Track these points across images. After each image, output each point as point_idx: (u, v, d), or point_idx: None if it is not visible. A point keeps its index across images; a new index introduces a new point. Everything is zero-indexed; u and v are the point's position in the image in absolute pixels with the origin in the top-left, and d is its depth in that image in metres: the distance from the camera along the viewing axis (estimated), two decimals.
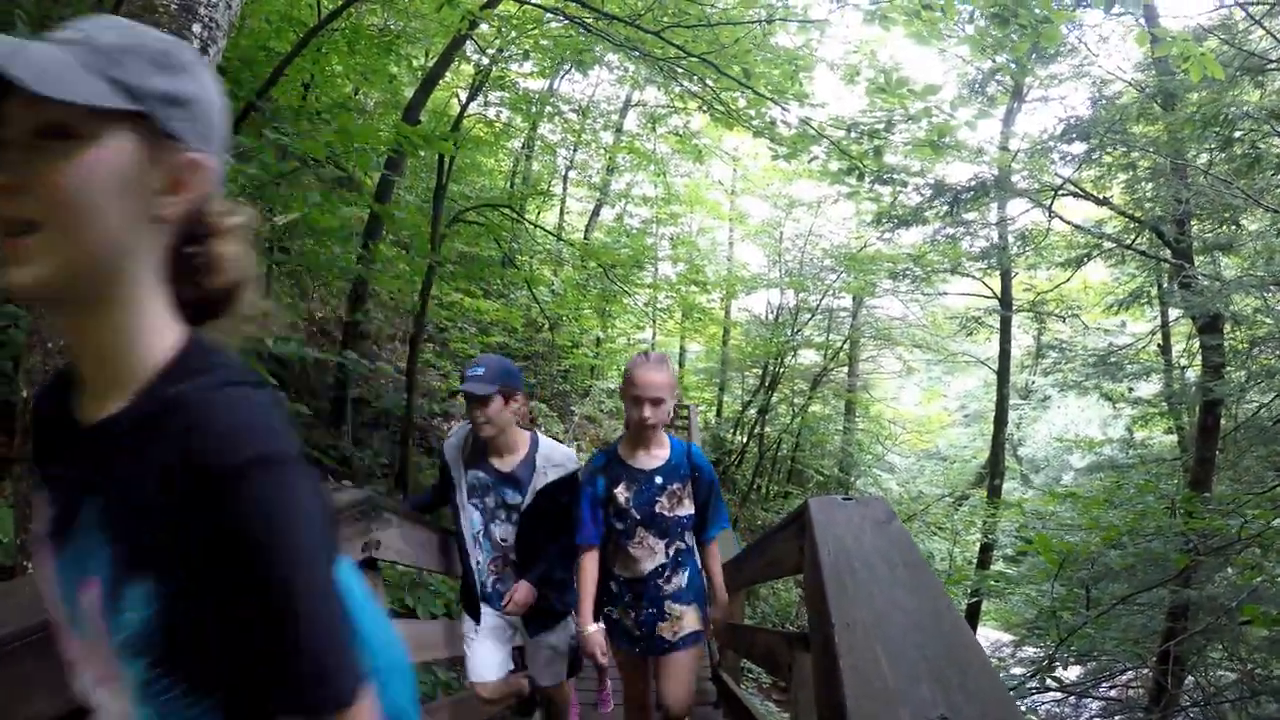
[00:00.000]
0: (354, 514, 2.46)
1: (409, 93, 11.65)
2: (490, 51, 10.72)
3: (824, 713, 1.45)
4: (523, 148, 20.08)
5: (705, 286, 19.18)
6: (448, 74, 11.41)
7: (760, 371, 23.43)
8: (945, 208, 14.84)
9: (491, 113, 13.73)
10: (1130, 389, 16.61)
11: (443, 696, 5.34)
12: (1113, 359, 15.10)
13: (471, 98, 11.36)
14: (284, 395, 6.50)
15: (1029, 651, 11.00)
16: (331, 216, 6.29)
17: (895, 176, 9.30)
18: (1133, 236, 14.15)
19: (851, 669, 1.25)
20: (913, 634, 1.37)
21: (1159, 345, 15.74)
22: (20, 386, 2.15)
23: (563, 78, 18.15)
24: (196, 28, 2.45)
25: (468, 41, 9.78)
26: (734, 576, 5.28)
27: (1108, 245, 14.69)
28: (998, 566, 17.87)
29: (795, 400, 23.34)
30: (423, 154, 11.20)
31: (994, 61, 14.57)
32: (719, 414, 26.80)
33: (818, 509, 2.06)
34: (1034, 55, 12.29)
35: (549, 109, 13.63)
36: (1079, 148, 13.20)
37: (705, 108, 9.36)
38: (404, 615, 3.27)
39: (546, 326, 18.59)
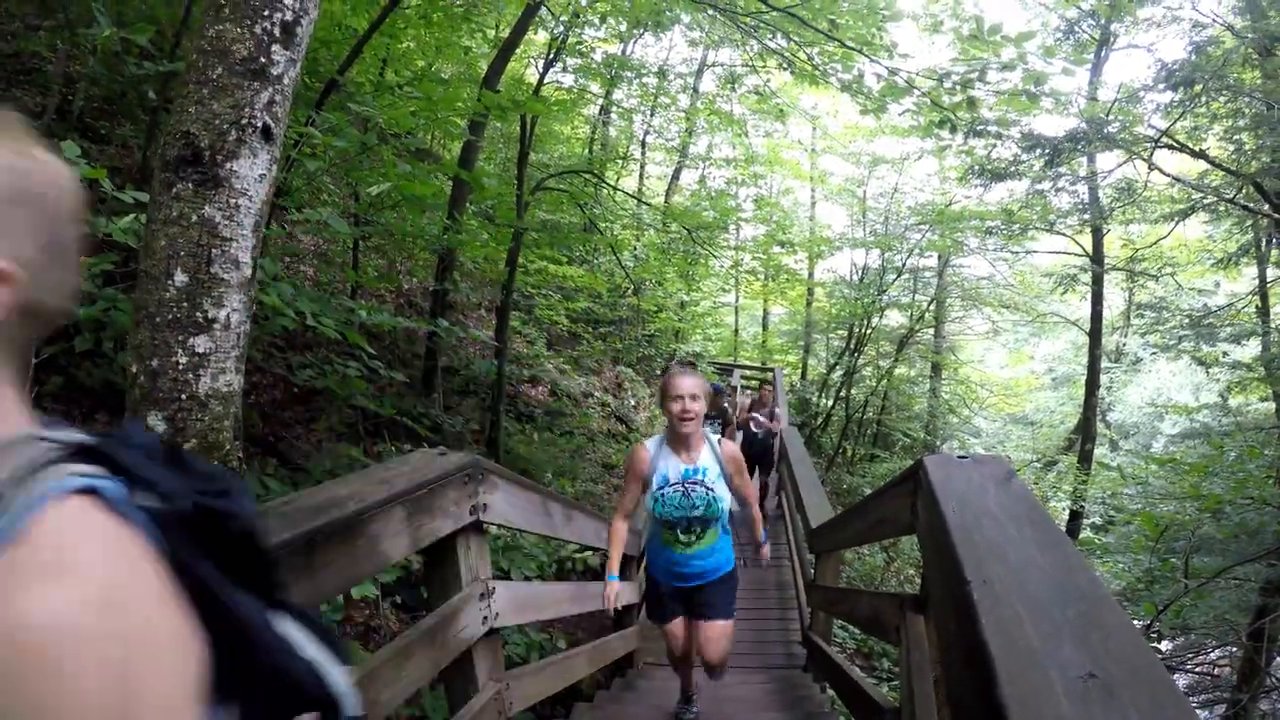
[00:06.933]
0: (461, 478, 2.48)
1: (483, 65, 11.68)
2: (564, 17, 10.66)
3: (957, 672, 1.41)
4: (599, 114, 20.02)
5: (791, 247, 18.92)
6: (519, 44, 11.39)
7: (845, 334, 23.12)
8: (1040, 162, 14.32)
9: (568, 80, 13.69)
10: (1225, 353, 15.87)
11: (535, 656, 5.47)
12: (1208, 320, 14.43)
13: (550, 65, 11.32)
14: (379, 364, 6.63)
15: None
16: (423, 184, 6.35)
17: (989, 129, 8.97)
18: (1232, 191, 13.42)
19: (994, 627, 1.21)
20: (1051, 592, 1.33)
21: (1257, 306, 14.98)
22: (130, 361, 2.20)
23: (636, 42, 18.02)
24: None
25: (541, 7, 9.73)
26: (829, 539, 5.24)
27: (1207, 200, 13.97)
28: (1085, 534, 17.44)
29: (881, 362, 22.98)
30: (499, 125, 11.25)
31: (1079, 8, 13.97)
32: (804, 376, 26.61)
33: (935, 467, 2.01)
34: None
35: (626, 74, 13.53)
36: (1171, 96, 12.54)
37: (785, 65, 9.14)
38: (500, 578, 3.36)
39: (631, 291, 18.59)
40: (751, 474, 10.14)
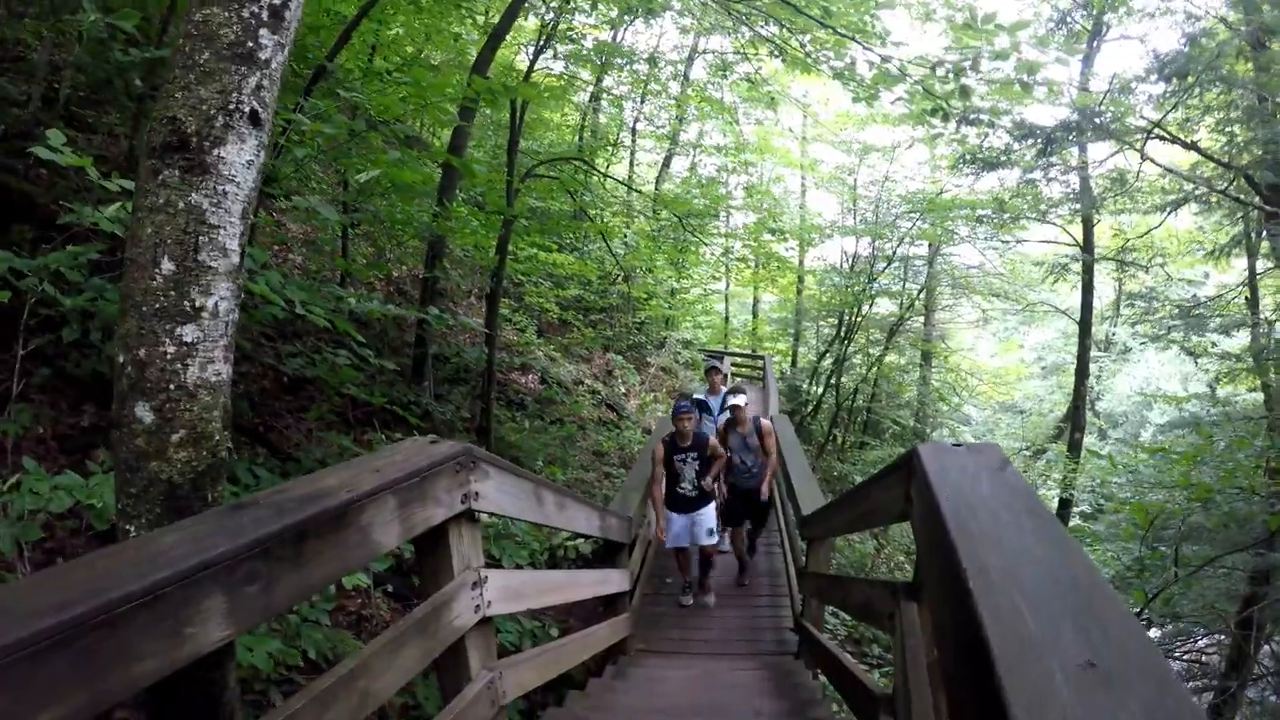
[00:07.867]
0: (453, 466, 2.46)
1: (472, 52, 11.61)
2: (555, 3, 10.60)
3: (955, 660, 1.40)
4: (590, 100, 19.94)
5: (782, 235, 18.90)
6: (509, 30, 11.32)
7: (836, 322, 23.15)
8: (1033, 151, 14.34)
9: (558, 66, 13.63)
10: (1214, 343, 15.93)
11: (527, 644, 5.48)
12: (1197, 311, 14.49)
13: (540, 51, 11.26)
14: (369, 353, 6.59)
15: None
16: (413, 171, 6.31)
17: (981, 118, 8.96)
18: (1223, 183, 13.46)
19: (992, 615, 1.20)
20: (1048, 581, 1.32)
21: (1246, 298, 15.04)
22: (117, 351, 2.16)
23: (626, 29, 17.93)
24: None
25: None
26: (820, 526, 5.24)
27: (1198, 191, 14.01)
28: (1074, 522, 17.55)
29: (871, 350, 23.04)
30: (488, 112, 11.19)
31: None
32: (794, 364, 26.64)
33: (929, 455, 2.00)
34: None
35: (617, 61, 13.47)
36: (1164, 88, 12.56)
37: (777, 52, 9.11)
38: (492, 566, 3.33)
39: (621, 278, 18.55)
40: (732, 525, 7.57)
